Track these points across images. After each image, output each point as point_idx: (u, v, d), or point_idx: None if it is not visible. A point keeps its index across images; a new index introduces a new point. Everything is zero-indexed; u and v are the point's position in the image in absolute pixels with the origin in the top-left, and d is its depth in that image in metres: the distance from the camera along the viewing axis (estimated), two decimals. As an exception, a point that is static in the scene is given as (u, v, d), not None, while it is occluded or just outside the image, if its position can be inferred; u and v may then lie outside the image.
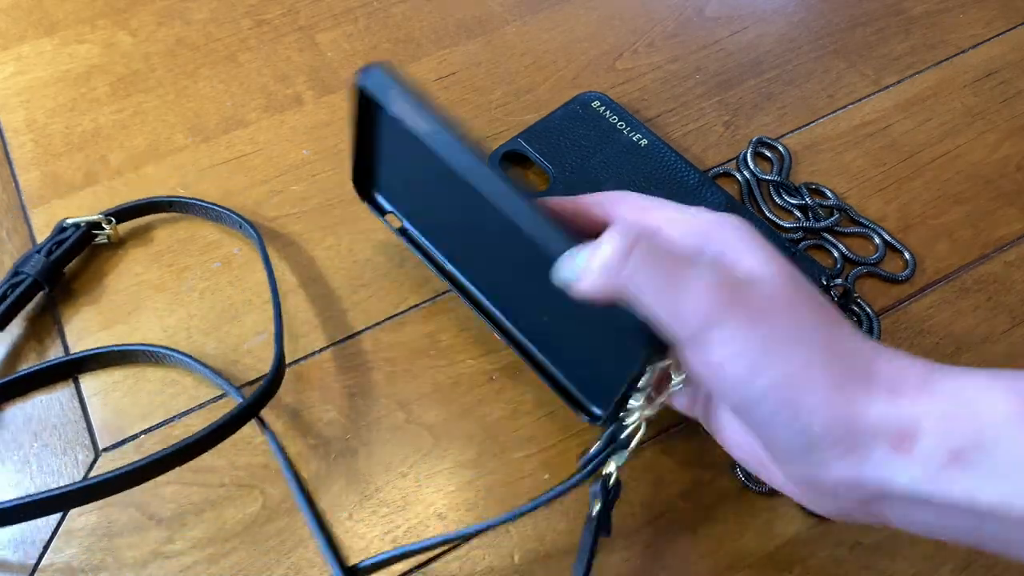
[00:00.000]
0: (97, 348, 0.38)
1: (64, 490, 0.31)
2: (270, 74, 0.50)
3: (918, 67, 0.51)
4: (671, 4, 0.54)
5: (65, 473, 0.36)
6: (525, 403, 0.38)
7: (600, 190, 0.42)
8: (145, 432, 0.37)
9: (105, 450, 0.37)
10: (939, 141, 0.47)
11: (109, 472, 0.31)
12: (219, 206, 0.43)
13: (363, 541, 0.35)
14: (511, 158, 0.45)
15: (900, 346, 0.40)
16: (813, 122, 0.48)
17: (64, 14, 0.52)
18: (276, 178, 0.45)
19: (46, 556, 0.34)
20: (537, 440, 0.37)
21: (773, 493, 0.36)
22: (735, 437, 0.30)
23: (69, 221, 0.41)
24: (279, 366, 0.36)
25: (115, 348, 0.38)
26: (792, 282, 0.27)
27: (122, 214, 0.42)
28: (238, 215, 0.42)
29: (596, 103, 0.46)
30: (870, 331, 0.40)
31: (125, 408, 0.38)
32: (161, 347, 0.38)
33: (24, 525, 0.35)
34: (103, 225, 0.42)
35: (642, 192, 0.42)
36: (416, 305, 0.41)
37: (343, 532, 0.35)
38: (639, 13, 0.53)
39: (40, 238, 0.43)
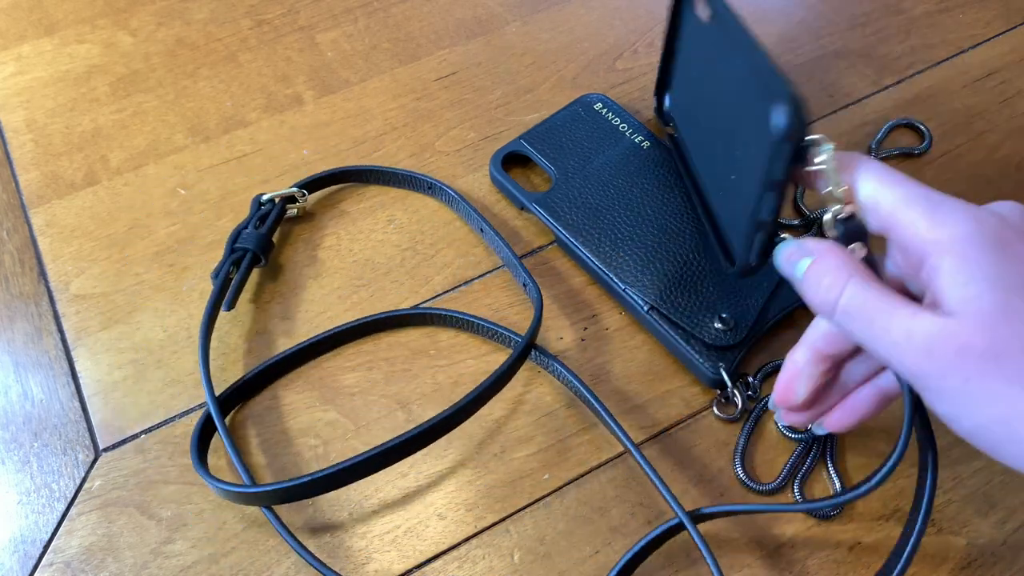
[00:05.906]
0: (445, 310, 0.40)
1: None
2: (270, 74, 0.50)
3: (918, 67, 0.51)
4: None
5: (65, 473, 0.36)
6: (525, 403, 0.38)
7: (602, 192, 0.43)
8: (146, 432, 0.37)
9: (105, 450, 0.37)
10: (939, 141, 0.47)
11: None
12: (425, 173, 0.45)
13: (363, 541, 0.35)
14: (513, 158, 0.45)
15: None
16: (813, 122, 0.48)
17: (64, 14, 0.52)
18: (276, 178, 0.45)
19: (46, 556, 0.34)
20: (537, 440, 0.37)
21: (773, 493, 0.36)
22: None
23: (264, 197, 0.43)
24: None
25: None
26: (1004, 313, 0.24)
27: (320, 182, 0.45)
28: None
29: (598, 105, 0.46)
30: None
31: (125, 408, 0.38)
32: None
33: (24, 525, 0.35)
34: (295, 198, 0.43)
35: (644, 193, 0.43)
36: (416, 305, 0.41)
37: (343, 531, 0.35)
38: (639, 13, 0.53)
39: (40, 238, 0.43)
